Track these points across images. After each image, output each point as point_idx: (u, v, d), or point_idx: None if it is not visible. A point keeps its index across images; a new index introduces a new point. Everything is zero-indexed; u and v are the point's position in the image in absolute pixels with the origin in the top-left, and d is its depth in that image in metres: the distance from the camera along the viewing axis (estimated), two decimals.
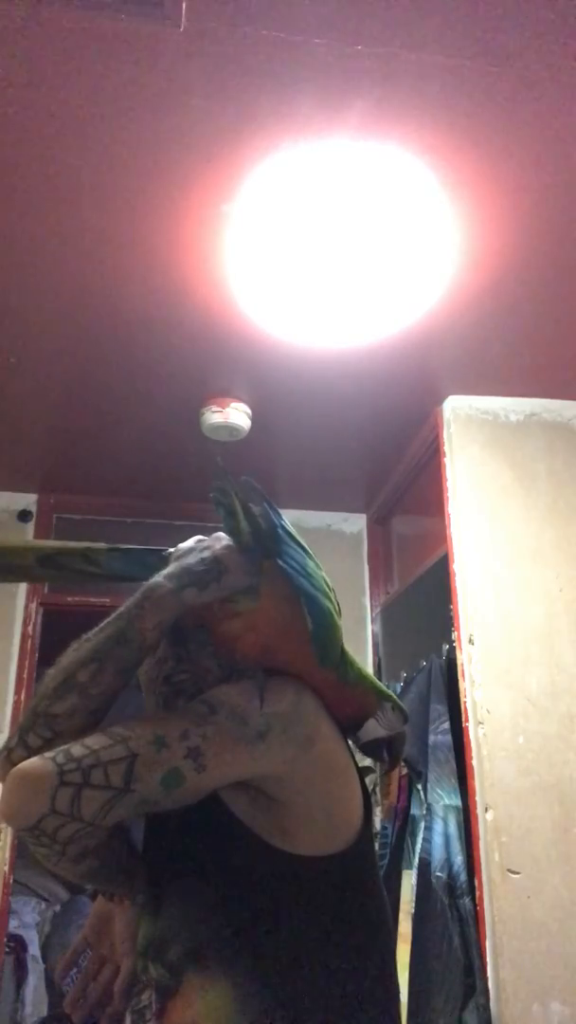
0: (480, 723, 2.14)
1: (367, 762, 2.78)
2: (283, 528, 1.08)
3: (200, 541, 1.08)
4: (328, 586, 1.09)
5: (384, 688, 1.14)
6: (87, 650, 0.98)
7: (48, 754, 0.89)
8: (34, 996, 3.43)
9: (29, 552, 1.16)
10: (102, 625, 1.00)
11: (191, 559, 1.03)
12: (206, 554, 1.03)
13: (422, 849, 2.18)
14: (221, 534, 1.08)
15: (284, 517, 1.10)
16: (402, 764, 2.46)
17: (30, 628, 3.08)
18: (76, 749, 0.90)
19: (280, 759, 0.97)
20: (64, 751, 0.90)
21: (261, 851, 0.98)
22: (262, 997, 0.93)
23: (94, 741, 0.91)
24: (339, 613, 1.09)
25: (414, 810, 2.41)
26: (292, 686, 1.03)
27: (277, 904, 0.98)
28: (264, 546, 1.05)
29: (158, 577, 1.02)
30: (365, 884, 1.04)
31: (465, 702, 2.19)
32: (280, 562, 1.04)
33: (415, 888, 2.17)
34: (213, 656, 1.09)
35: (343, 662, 1.07)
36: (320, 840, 1.00)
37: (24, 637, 3.06)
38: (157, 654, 1.10)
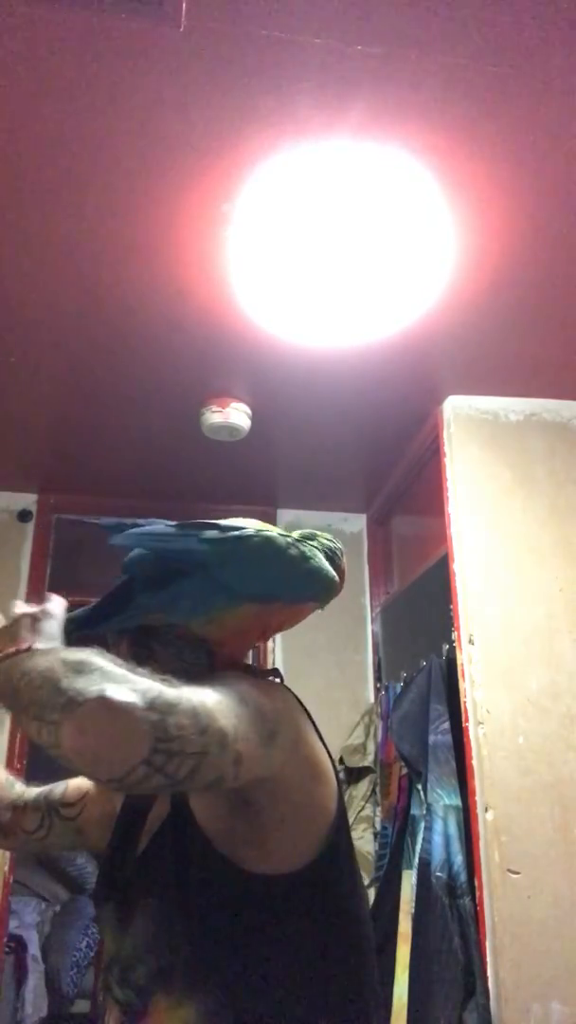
0: (480, 723, 2.14)
1: (367, 762, 2.76)
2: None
3: None
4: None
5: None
6: None
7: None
8: (34, 996, 3.43)
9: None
10: None
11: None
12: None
13: (422, 849, 2.17)
14: None
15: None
16: (402, 764, 2.46)
17: None
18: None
19: (280, 762, 0.95)
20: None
21: (230, 872, 0.95)
22: (230, 1020, 0.91)
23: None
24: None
25: (414, 810, 2.41)
26: (276, 687, 1.03)
27: (246, 926, 0.95)
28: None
29: None
30: (338, 896, 1.01)
31: (465, 702, 2.19)
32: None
33: (415, 888, 2.17)
34: (179, 655, 1.07)
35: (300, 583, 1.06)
36: (291, 852, 0.97)
37: None
38: (119, 654, 1.04)
